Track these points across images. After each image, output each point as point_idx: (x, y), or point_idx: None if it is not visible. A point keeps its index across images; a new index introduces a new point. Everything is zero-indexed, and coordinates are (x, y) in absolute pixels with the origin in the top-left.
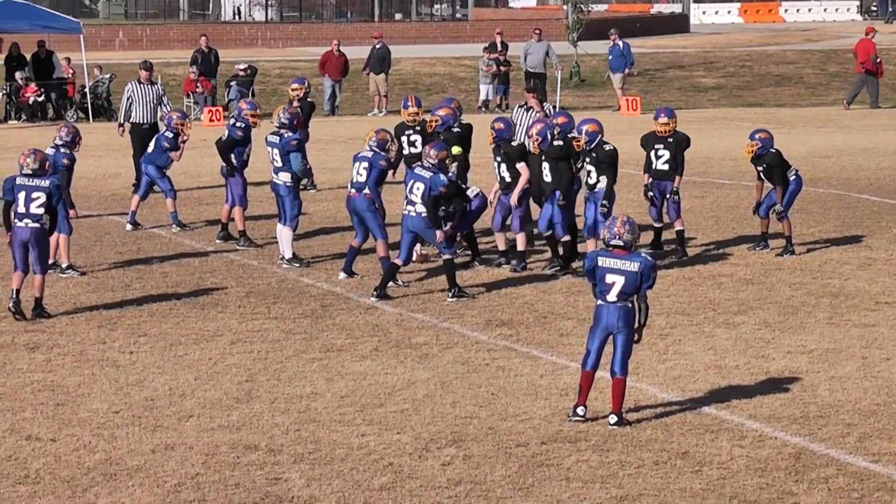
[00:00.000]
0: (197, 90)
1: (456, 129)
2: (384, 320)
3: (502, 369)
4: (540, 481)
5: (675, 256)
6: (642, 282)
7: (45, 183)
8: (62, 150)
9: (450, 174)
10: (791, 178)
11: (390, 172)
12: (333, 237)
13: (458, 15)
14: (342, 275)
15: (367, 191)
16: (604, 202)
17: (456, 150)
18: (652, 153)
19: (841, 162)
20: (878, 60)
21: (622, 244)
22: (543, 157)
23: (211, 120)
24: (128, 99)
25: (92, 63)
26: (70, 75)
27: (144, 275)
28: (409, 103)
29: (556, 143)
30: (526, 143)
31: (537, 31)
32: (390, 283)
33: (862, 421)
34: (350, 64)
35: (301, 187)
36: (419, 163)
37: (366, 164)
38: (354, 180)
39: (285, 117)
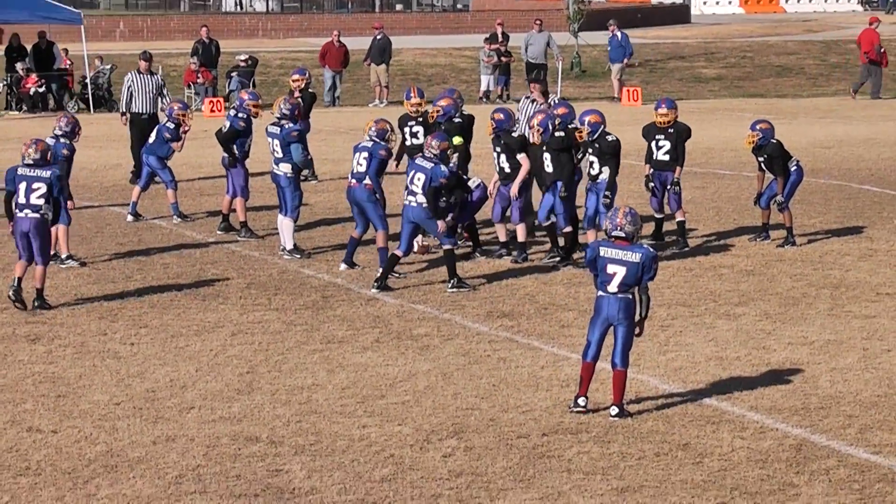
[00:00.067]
0: (198, 81)
1: (457, 120)
2: (385, 312)
3: (503, 361)
4: (541, 473)
5: (676, 247)
6: (643, 273)
7: (46, 174)
8: (62, 140)
9: (451, 165)
10: (792, 169)
11: (393, 163)
12: (334, 228)
13: (458, 5)
14: (343, 266)
15: (367, 181)
16: (606, 193)
17: (457, 140)
18: (653, 144)
19: (842, 152)
20: (882, 50)
21: (624, 235)
22: (545, 148)
23: (212, 111)
24: (128, 89)
25: (93, 54)
26: (69, 65)
27: (145, 266)
28: (413, 94)
29: (557, 133)
30: (527, 134)
31: (538, 22)
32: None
33: (863, 412)
34: (350, 55)
35: (302, 178)
36: (421, 153)
37: (366, 154)
38: (355, 170)
39: (286, 108)
